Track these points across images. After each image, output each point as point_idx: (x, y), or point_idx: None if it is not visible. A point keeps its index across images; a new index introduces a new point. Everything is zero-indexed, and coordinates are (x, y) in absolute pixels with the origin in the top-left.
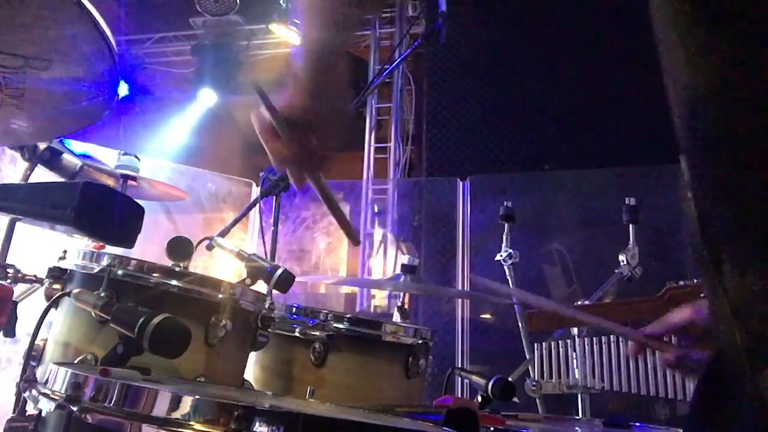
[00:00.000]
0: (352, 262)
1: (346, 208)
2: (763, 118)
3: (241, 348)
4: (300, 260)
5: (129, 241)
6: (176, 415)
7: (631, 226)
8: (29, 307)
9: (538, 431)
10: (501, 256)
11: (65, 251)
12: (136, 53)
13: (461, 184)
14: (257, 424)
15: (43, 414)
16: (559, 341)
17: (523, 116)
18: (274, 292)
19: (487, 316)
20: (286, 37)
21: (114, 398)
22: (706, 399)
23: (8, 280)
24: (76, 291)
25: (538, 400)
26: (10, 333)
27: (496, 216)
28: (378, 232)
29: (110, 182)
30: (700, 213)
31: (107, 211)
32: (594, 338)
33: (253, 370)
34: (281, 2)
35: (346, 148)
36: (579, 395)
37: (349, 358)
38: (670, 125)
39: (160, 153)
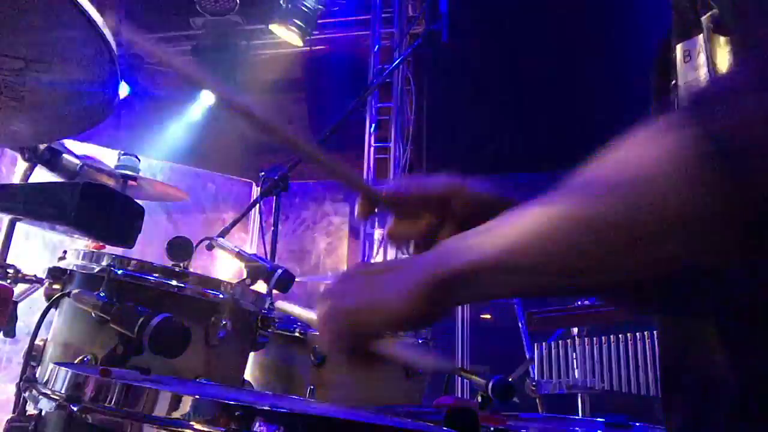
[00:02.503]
0: (352, 262)
1: (345, 209)
2: None
3: (241, 348)
4: (300, 260)
5: (129, 241)
6: (176, 415)
7: None
8: (29, 307)
9: (538, 431)
10: None
11: (65, 251)
12: (136, 53)
13: None
14: (257, 424)
15: (44, 414)
16: (559, 341)
17: (523, 116)
18: (274, 292)
19: (487, 316)
20: (286, 37)
21: (114, 398)
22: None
23: (8, 280)
24: (76, 291)
25: (538, 400)
26: (10, 333)
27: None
28: (378, 232)
29: (110, 182)
30: None
31: (107, 211)
32: (594, 338)
33: (253, 370)
34: (281, 2)
35: (346, 148)
36: (579, 395)
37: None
38: None
39: (160, 153)
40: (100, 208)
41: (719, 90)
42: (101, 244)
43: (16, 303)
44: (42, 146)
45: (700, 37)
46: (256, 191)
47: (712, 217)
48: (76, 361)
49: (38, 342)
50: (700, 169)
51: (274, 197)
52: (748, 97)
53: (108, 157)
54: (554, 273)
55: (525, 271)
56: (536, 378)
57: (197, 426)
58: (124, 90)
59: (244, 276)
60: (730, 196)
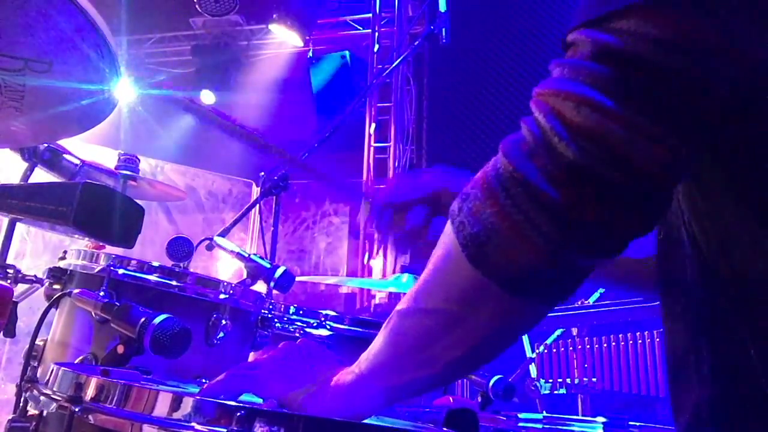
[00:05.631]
0: (352, 262)
1: (345, 208)
2: None
3: (241, 348)
4: (300, 260)
5: (129, 241)
6: (177, 415)
7: None
8: (29, 307)
9: (538, 431)
10: None
11: (65, 251)
12: (137, 53)
13: None
14: (258, 425)
15: (45, 414)
16: (559, 341)
17: (522, 116)
18: (274, 292)
19: None
20: (286, 37)
21: (115, 399)
22: None
23: (8, 280)
24: (76, 291)
25: (538, 400)
26: (10, 333)
27: None
28: (378, 233)
29: (110, 182)
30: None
31: (107, 211)
32: (594, 338)
33: None
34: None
35: (346, 148)
36: (579, 395)
37: (349, 358)
38: None
39: (160, 153)
40: (100, 208)
41: (462, 203)
42: (101, 244)
43: (16, 303)
44: (42, 146)
45: None
46: (256, 191)
47: (475, 287)
48: (76, 361)
49: (38, 342)
50: (457, 258)
51: (274, 197)
52: (483, 212)
53: (108, 157)
54: (412, 368)
55: (391, 375)
56: (536, 378)
57: (198, 427)
58: (124, 90)
59: (244, 276)
60: (480, 276)
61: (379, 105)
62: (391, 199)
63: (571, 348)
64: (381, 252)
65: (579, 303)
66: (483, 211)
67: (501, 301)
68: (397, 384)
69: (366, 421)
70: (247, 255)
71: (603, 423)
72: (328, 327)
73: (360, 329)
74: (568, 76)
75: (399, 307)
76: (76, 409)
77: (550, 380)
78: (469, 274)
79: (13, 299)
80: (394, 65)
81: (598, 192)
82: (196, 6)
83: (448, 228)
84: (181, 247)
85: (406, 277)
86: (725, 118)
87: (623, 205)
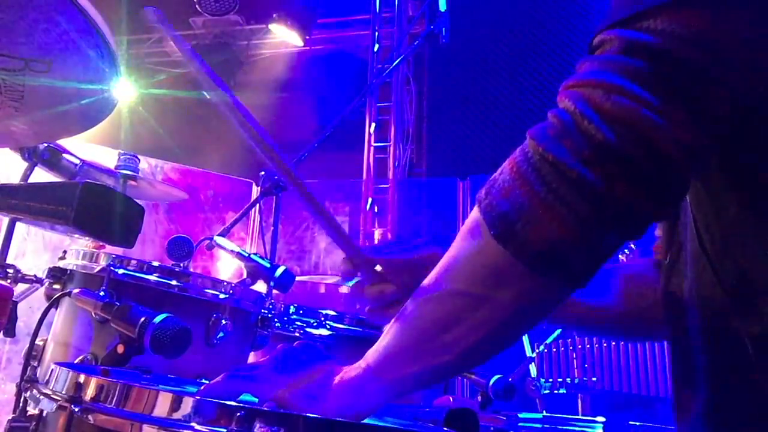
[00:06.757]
0: None
1: (345, 208)
2: None
3: (241, 348)
4: (300, 260)
5: (129, 241)
6: (177, 415)
7: None
8: (29, 307)
9: (538, 431)
10: None
11: (65, 251)
12: (137, 53)
13: (461, 184)
14: (258, 425)
15: (45, 414)
16: (559, 341)
17: (522, 116)
18: (274, 292)
19: None
20: (286, 37)
21: (115, 399)
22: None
23: (8, 280)
24: (76, 291)
25: (538, 400)
26: (10, 333)
27: None
28: (378, 232)
29: (110, 182)
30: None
31: (107, 211)
32: (594, 338)
33: None
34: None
35: (346, 148)
36: (579, 395)
37: (350, 358)
38: None
39: (160, 153)
40: (100, 208)
41: (490, 187)
42: (101, 244)
43: (16, 303)
44: (42, 146)
45: None
46: (256, 191)
47: (501, 267)
48: (76, 361)
49: (38, 342)
50: (483, 239)
51: (274, 197)
52: (512, 192)
53: (108, 157)
54: (430, 355)
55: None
56: (536, 378)
57: (198, 427)
58: (124, 90)
59: (244, 276)
60: (507, 256)
61: (379, 105)
62: (373, 254)
63: (571, 348)
64: None
65: None
66: (512, 191)
67: (526, 280)
68: (407, 374)
69: (366, 421)
70: (247, 255)
71: (603, 423)
72: (328, 327)
73: (360, 329)
74: (598, 69)
75: (415, 295)
76: (76, 409)
77: (550, 380)
78: (495, 254)
79: (13, 299)
80: (394, 65)
81: (626, 171)
82: (196, 6)
83: (473, 214)
84: (181, 247)
85: None
86: (739, 112)
87: (648, 184)
